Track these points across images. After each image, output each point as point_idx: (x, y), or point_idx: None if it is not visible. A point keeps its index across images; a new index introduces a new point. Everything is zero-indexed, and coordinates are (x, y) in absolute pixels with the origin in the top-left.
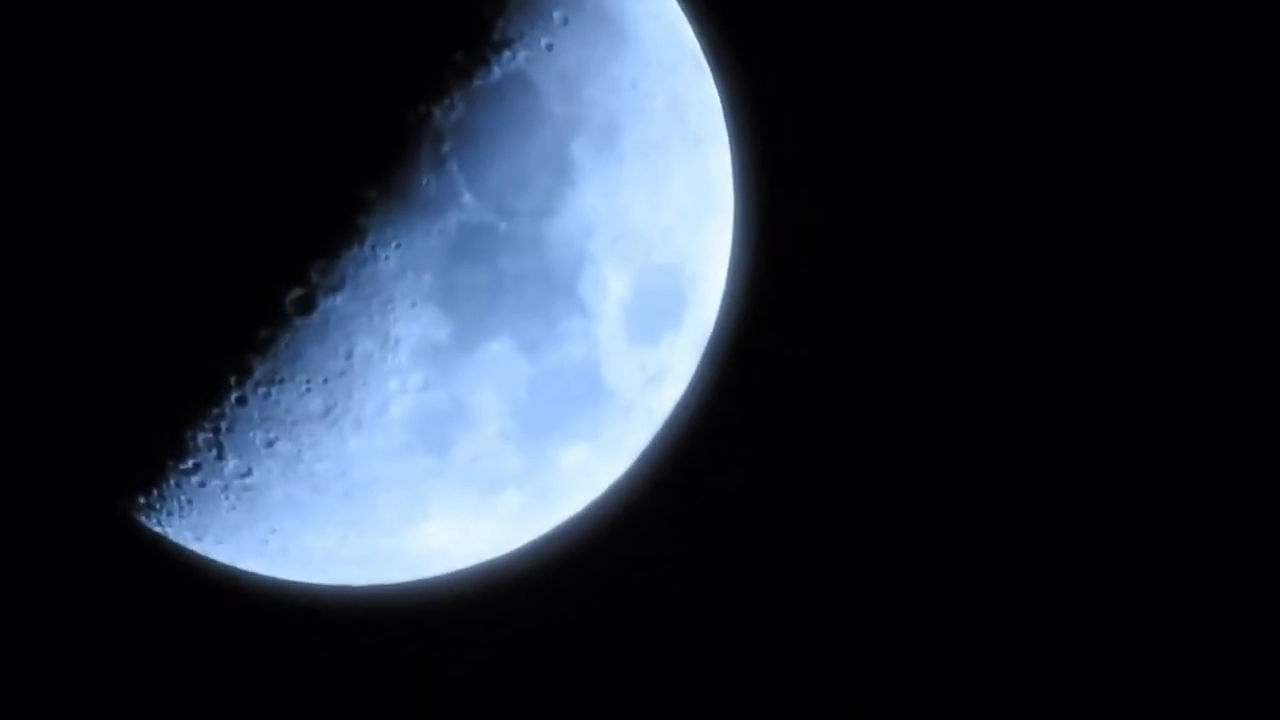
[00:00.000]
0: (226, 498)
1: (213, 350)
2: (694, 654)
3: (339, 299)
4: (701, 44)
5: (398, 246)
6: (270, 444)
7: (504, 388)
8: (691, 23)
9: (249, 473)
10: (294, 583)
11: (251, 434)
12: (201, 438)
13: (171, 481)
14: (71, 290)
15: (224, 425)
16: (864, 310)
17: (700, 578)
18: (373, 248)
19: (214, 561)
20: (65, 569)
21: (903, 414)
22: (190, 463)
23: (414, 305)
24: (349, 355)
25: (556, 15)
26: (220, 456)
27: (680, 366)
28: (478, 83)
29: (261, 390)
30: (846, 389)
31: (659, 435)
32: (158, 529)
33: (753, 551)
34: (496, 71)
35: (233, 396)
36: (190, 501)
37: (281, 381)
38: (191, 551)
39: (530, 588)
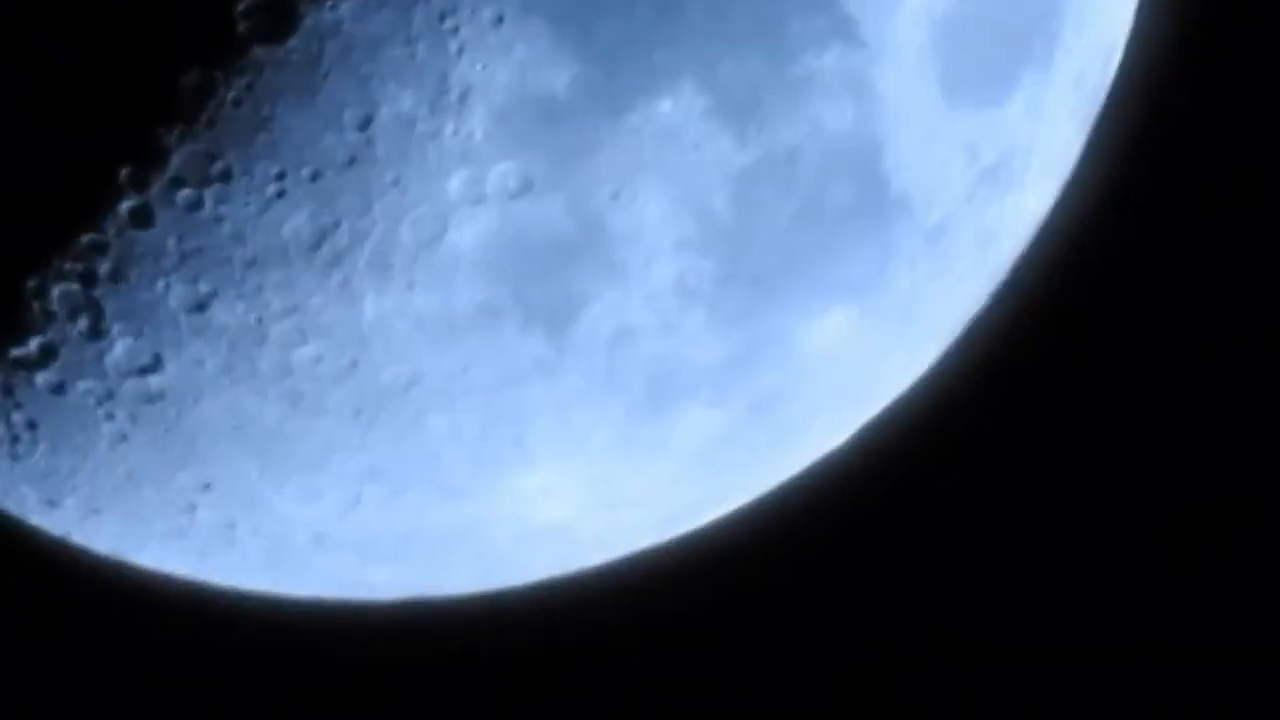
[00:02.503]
0: (110, 418)
1: (84, 114)
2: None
3: (344, 7)
4: None
5: None
6: (201, 306)
7: (684, 191)
8: None
9: (156, 366)
10: (252, 595)
11: (160, 284)
12: (58, 293)
13: None
14: None
15: (104, 267)
16: None
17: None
18: None
19: (89, 552)
20: None
21: None
22: (33, 346)
23: (500, 22)
24: (365, 123)
25: None
26: (96, 331)
27: (1046, 150)
28: None
29: (183, 195)
30: None
31: (1002, 287)
32: None
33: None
34: None
35: (123, 208)
36: (34, 426)
37: (226, 177)
38: (38, 530)
39: (728, 576)
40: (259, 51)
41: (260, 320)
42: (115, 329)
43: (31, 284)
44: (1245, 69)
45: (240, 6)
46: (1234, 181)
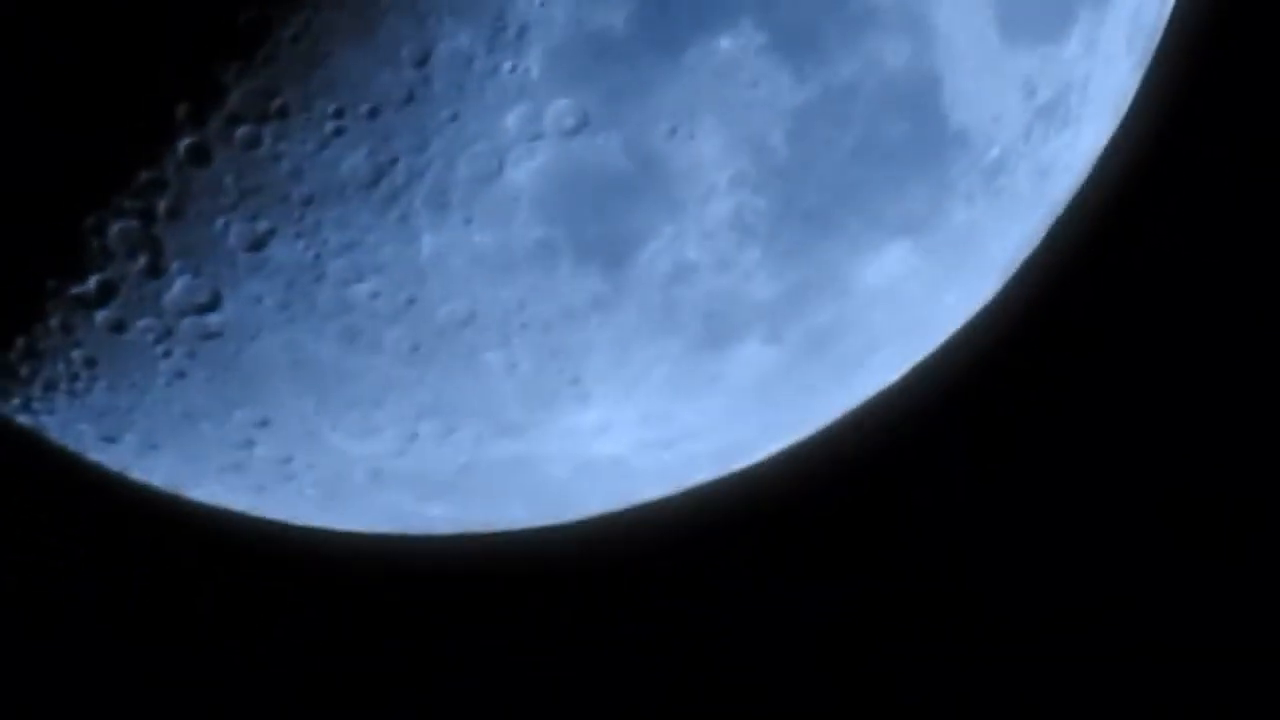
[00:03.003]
0: (168, 355)
1: (138, 54)
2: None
3: None
4: None
5: None
6: (259, 243)
7: (741, 127)
8: None
9: (214, 304)
10: (309, 530)
11: (219, 222)
12: (117, 230)
13: (54, 323)
14: None
15: (162, 204)
16: None
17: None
18: None
19: (147, 486)
20: None
21: None
22: (93, 283)
23: None
24: (422, 60)
25: None
26: (155, 269)
27: (1102, 86)
28: None
29: (241, 132)
30: None
31: (1060, 225)
32: (28, 421)
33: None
34: None
35: (181, 146)
36: (93, 363)
37: (284, 114)
38: (98, 465)
39: (785, 511)
40: None
41: (318, 257)
42: (174, 267)
43: (90, 221)
44: None
45: None
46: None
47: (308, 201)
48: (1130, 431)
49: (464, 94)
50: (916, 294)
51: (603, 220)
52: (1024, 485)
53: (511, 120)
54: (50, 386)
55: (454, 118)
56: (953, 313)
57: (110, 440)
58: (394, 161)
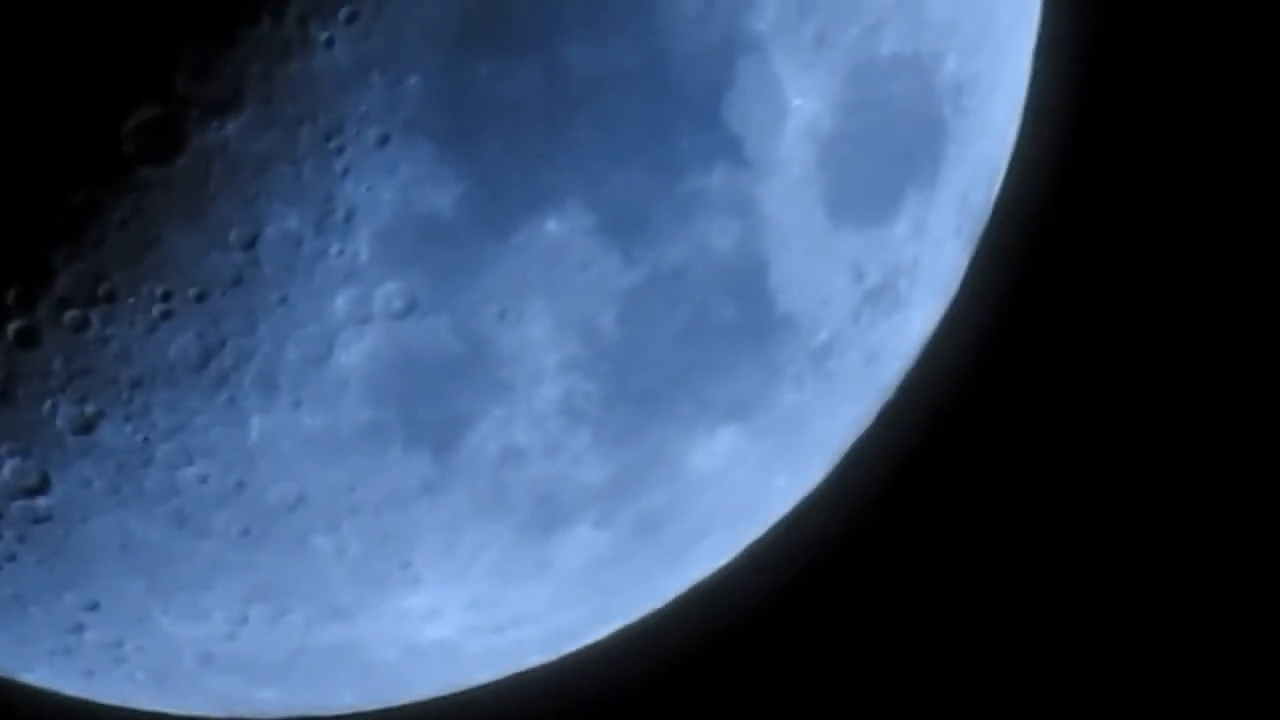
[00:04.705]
0: None
1: None
2: None
3: (231, 127)
4: None
5: (352, 19)
6: (88, 426)
7: (570, 309)
8: None
9: (43, 487)
10: (139, 713)
11: (47, 404)
12: None
13: None
14: None
15: None
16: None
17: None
18: (301, 22)
19: None
20: None
21: None
22: None
23: (385, 142)
24: (251, 243)
25: None
26: None
27: (931, 269)
28: None
29: (70, 315)
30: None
31: (890, 408)
32: None
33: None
34: None
35: (10, 329)
36: None
37: (112, 297)
38: None
39: (614, 695)
40: (146, 171)
41: (147, 440)
42: (2, 450)
43: None
44: (1124, 189)
45: (127, 126)
46: (1115, 300)
47: (136, 384)
48: (958, 613)
49: (293, 277)
50: (746, 477)
51: (432, 403)
52: (856, 667)
53: (340, 303)
54: None
55: (283, 300)
56: (783, 496)
57: None
58: (222, 344)
